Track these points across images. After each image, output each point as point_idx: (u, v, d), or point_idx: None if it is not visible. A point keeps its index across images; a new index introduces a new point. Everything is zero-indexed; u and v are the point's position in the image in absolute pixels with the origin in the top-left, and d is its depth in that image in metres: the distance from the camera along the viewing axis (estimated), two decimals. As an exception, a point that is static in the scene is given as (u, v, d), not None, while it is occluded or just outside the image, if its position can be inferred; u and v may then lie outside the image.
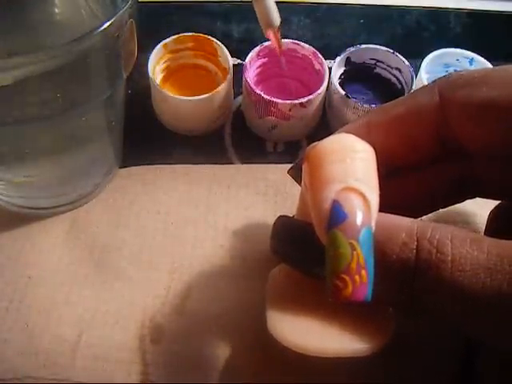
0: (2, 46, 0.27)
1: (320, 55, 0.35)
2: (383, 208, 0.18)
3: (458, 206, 0.25)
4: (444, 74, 0.36)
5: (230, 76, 0.34)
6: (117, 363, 0.26)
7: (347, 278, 0.17)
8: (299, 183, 0.24)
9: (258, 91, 0.33)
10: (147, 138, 0.35)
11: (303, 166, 0.21)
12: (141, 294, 0.28)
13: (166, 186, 0.32)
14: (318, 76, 0.35)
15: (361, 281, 0.17)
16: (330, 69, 0.35)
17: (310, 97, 0.33)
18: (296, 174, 0.25)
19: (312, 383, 0.25)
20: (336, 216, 0.17)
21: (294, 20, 0.43)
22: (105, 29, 0.21)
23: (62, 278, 0.29)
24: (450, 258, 0.17)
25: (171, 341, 0.27)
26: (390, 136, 0.22)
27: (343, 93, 0.34)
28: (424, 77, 0.35)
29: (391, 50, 0.36)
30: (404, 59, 0.35)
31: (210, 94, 0.33)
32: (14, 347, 0.26)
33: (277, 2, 0.32)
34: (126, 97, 0.30)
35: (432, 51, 0.36)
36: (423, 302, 0.18)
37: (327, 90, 0.35)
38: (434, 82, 0.22)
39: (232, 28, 0.42)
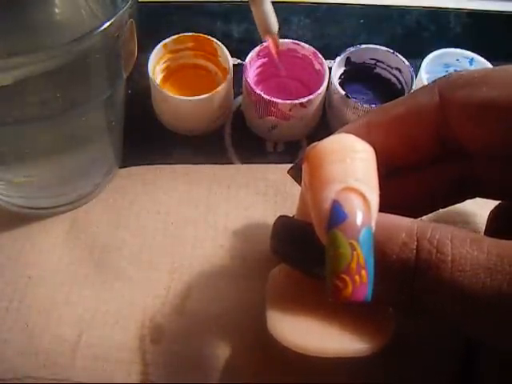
0: (2, 46, 0.27)
1: (320, 55, 0.35)
2: (383, 208, 0.18)
3: (457, 206, 0.25)
4: (444, 74, 0.36)
5: (230, 76, 0.34)
6: (117, 363, 0.26)
7: (347, 278, 0.17)
8: (299, 183, 0.24)
9: (258, 91, 0.33)
10: (147, 138, 0.35)
11: (303, 166, 0.21)
12: (141, 294, 0.28)
13: (166, 186, 0.32)
14: (318, 76, 0.35)
15: (361, 281, 0.17)
16: (330, 69, 0.35)
17: (310, 97, 0.33)
18: (296, 174, 0.25)
19: (312, 383, 0.25)
20: (336, 216, 0.17)
21: (293, 20, 0.43)
22: (105, 29, 0.21)
23: (62, 278, 0.29)
24: (450, 258, 0.17)
25: (171, 341, 0.27)
26: (390, 136, 0.22)
27: (343, 93, 0.34)
28: (424, 77, 0.35)
29: (391, 50, 0.36)
30: (404, 59, 0.35)
31: (210, 94, 0.33)
32: (13, 347, 0.26)
33: (277, 2, 0.32)
34: (126, 97, 0.30)
35: (432, 51, 0.36)
36: (423, 302, 0.18)
37: (327, 90, 0.35)
38: (434, 82, 0.22)
39: (232, 28, 0.42)
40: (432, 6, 0.44)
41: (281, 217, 0.24)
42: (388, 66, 0.37)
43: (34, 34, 0.28)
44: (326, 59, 0.35)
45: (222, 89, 0.34)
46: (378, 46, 0.36)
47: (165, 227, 0.31)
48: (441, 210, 0.25)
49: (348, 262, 0.17)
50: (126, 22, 0.23)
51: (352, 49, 0.36)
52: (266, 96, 0.33)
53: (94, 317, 0.27)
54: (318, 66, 0.35)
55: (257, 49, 0.35)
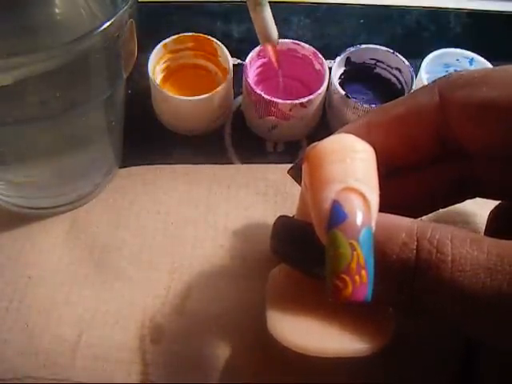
0: (2, 46, 0.27)
1: (320, 55, 0.35)
2: (383, 208, 0.18)
3: (457, 206, 0.25)
4: (444, 74, 0.36)
5: (230, 76, 0.34)
6: (117, 363, 0.26)
7: (347, 278, 0.17)
8: (299, 183, 0.24)
9: (258, 91, 0.33)
10: (147, 138, 0.35)
11: (303, 166, 0.21)
12: (141, 294, 0.28)
13: (166, 186, 0.32)
14: (318, 76, 0.35)
15: (361, 281, 0.17)
16: (330, 69, 0.35)
17: (311, 97, 0.33)
18: (296, 174, 0.25)
19: (312, 383, 0.25)
20: (336, 216, 0.17)
21: (293, 20, 0.43)
22: (105, 29, 0.21)
23: (62, 278, 0.29)
24: (450, 258, 0.17)
25: (171, 341, 0.27)
26: (390, 136, 0.22)
27: (343, 93, 0.34)
28: (424, 77, 0.35)
29: (391, 50, 0.36)
30: (404, 59, 0.35)
31: (210, 94, 0.33)
32: (14, 347, 0.26)
33: (277, 2, 0.32)
34: (126, 97, 0.30)
35: (432, 51, 0.36)
36: (423, 301, 0.18)
37: (327, 90, 0.35)
38: (434, 82, 0.22)
39: (232, 28, 0.42)
40: (432, 6, 0.44)
41: (281, 217, 0.24)
42: (388, 65, 0.37)
43: (34, 34, 0.28)
44: (326, 59, 0.35)
45: (221, 89, 0.34)
46: (377, 46, 0.36)
47: (165, 227, 0.31)
48: (441, 210, 0.25)
49: (348, 262, 0.17)
50: (126, 22, 0.23)
51: (352, 49, 0.36)
52: (266, 96, 0.33)
53: (94, 317, 0.27)
54: (318, 66, 0.35)
55: (257, 49, 0.35)
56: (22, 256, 0.29)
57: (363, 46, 0.36)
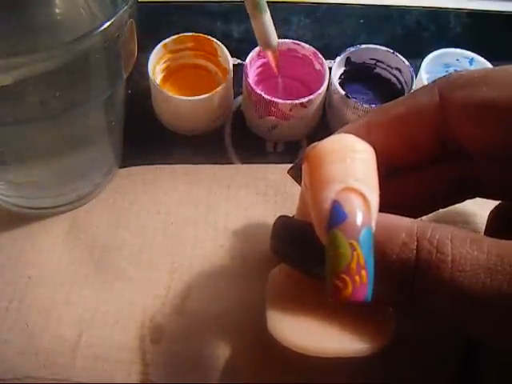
0: (2, 46, 0.27)
1: (320, 55, 0.35)
2: (383, 208, 0.18)
3: (458, 206, 0.25)
4: (444, 74, 0.36)
5: (230, 76, 0.34)
6: (117, 363, 0.26)
7: (347, 278, 0.17)
8: (299, 183, 0.24)
9: (258, 91, 0.33)
10: (147, 138, 0.35)
11: (303, 166, 0.21)
12: (141, 294, 0.28)
13: (166, 186, 0.32)
14: (318, 76, 0.35)
15: (361, 281, 0.17)
16: (330, 69, 0.35)
17: (311, 97, 0.33)
18: (296, 174, 0.25)
19: (312, 383, 0.25)
20: (336, 216, 0.17)
21: (293, 20, 0.43)
22: (105, 29, 0.21)
23: (62, 278, 0.29)
24: (450, 258, 0.17)
25: (171, 341, 0.27)
26: (390, 136, 0.22)
27: (343, 93, 0.34)
28: (424, 77, 0.35)
29: (391, 50, 0.36)
30: (404, 59, 0.35)
31: (210, 94, 0.33)
32: (14, 347, 0.26)
33: (277, 2, 0.32)
34: (126, 97, 0.30)
35: (432, 51, 0.36)
36: (423, 302, 0.18)
37: (327, 90, 0.35)
38: (434, 82, 0.22)
39: (232, 28, 0.42)
40: (432, 6, 0.44)
41: (281, 217, 0.24)
42: (388, 65, 0.37)
43: (34, 34, 0.28)
44: (326, 59, 0.35)
45: (221, 89, 0.34)
46: (378, 46, 0.36)
47: (165, 227, 0.31)
48: (441, 210, 0.25)
49: (348, 262, 0.17)
50: (126, 22, 0.23)
51: (352, 49, 0.36)
52: (266, 96, 0.33)
53: (94, 317, 0.27)
54: (318, 66, 0.35)
55: (257, 49, 0.35)
56: (22, 256, 0.29)
57: (363, 46, 0.36)
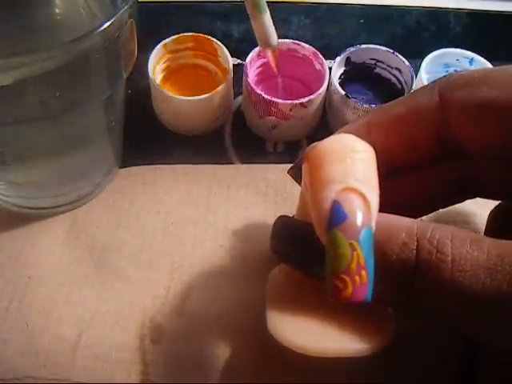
0: (2, 46, 0.27)
1: (320, 55, 0.35)
2: (383, 208, 0.18)
3: (458, 206, 0.25)
4: (444, 74, 0.36)
5: (230, 76, 0.34)
6: (117, 363, 0.26)
7: (347, 279, 0.17)
8: (299, 183, 0.24)
9: (258, 91, 0.33)
10: (147, 138, 0.35)
11: (303, 166, 0.21)
12: (141, 294, 0.28)
13: (166, 186, 0.32)
14: (318, 76, 0.35)
15: (361, 281, 0.17)
16: (330, 69, 0.35)
17: (311, 97, 0.33)
18: (296, 174, 0.25)
19: (312, 383, 0.25)
20: (336, 216, 0.17)
21: (294, 20, 0.43)
22: (105, 29, 0.21)
23: (62, 278, 0.29)
24: (450, 258, 0.17)
25: (171, 341, 0.27)
26: (390, 136, 0.22)
27: (343, 93, 0.34)
28: (424, 77, 0.35)
29: (391, 50, 0.36)
30: (404, 59, 0.35)
31: (210, 94, 0.33)
32: (14, 347, 0.26)
33: (277, 2, 0.32)
34: (126, 97, 0.30)
35: (432, 51, 0.36)
36: (423, 302, 0.18)
37: (327, 90, 0.35)
38: (434, 82, 0.22)
39: (232, 28, 0.42)
40: (432, 6, 0.44)
41: (281, 217, 0.24)
42: (388, 65, 0.37)
43: (34, 34, 0.28)
44: (326, 59, 0.35)
45: (222, 89, 0.34)
46: (378, 46, 0.36)
47: (165, 227, 0.31)
48: (441, 209, 0.25)
49: (348, 262, 0.17)
50: (126, 22, 0.23)
51: (352, 49, 0.36)
52: (266, 96, 0.33)
53: (94, 317, 0.27)
54: (318, 66, 0.35)
55: (257, 49, 0.35)
56: (22, 256, 0.29)
57: (363, 45, 0.36)
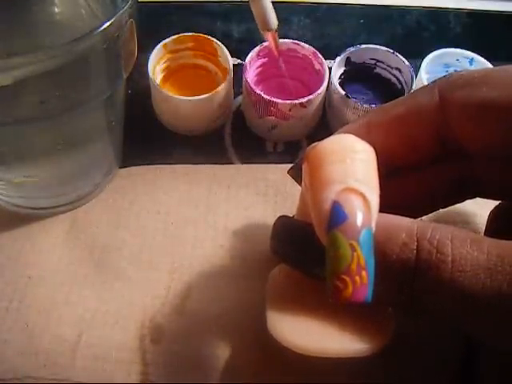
0: (2, 46, 0.27)
1: (320, 55, 0.35)
2: (383, 208, 0.18)
3: (458, 206, 0.25)
4: (444, 74, 0.36)
5: (229, 76, 0.34)
6: (117, 363, 0.26)
7: (347, 279, 0.17)
8: (299, 183, 0.24)
9: (258, 91, 0.33)
10: (147, 138, 0.35)
11: (303, 167, 0.21)
12: (141, 294, 0.28)
13: (166, 186, 0.32)
14: (318, 76, 0.35)
15: (361, 282, 0.17)
16: (330, 69, 0.35)
17: (310, 97, 0.33)
18: (296, 174, 0.25)
19: (312, 383, 0.25)
20: (336, 217, 0.17)
21: (294, 20, 0.43)
22: (105, 29, 0.21)
23: (62, 278, 0.29)
24: (450, 259, 0.17)
25: (171, 341, 0.27)
26: (390, 136, 0.22)
27: (343, 93, 0.34)
28: (424, 77, 0.35)
29: (391, 50, 0.36)
30: (404, 59, 0.35)
31: (210, 94, 0.33)
32: (14, 347, 0.26)
33: (277, 2, 0.32)
34: (126, 97, 0.30)
35: (432, 51, 0.36)
36: (423, 302, 0.18)
37: (327, 90, 0.35)
38: (434, 82, 0.22)
39: (232, 28, 0.42)
40: (432, 6, 0.44)
41: (281, 217, 0.24)
42: (388, 65, 0.37)
43: (34, 34, 0.28)
44: (325, 59, 0.35)
45: (221, 89, 0.34)
46: (378, 46, 0.36)
47: (165, 227, 0.31)
48: (441, 210, 0.25)
49: (348, 262, 0.17)
50: (126, 22, 0.23)
51: (352, 49, 0.36)
52: (265, 96, 0.33)
53: (94, 317, 0.27)
54: (318, 66, 0.35)
55: (257, 49, 0.35)
56: (22, 256, 0.29)
57: (363, 46, 0.36)
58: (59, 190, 0.31)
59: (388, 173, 0.21)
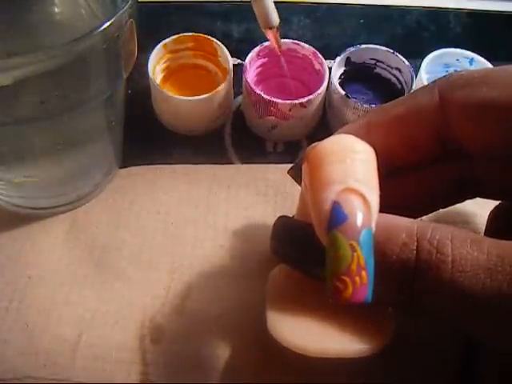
0: (2, 46, 0.27)
1: (320, 55, 0.35)
2: (383, 208, 0.18)
3: (458, 206, 0.25)
4: (444, 74, 0.36)
5: (230, 76, 0.34)
6: (117, 363, 0.26)
7: (347, 280, 0.17)
8: (299, 183, 0.24)
9: (257, 91, 0.33)
10: (147, 138, 0.35)
11: (303, 167, 0.21)
12: (141, 294, 0.28)
13: (166, 186, 0.32)
14: (317, 76, 0.35)
15: (361, 282, 0.17)
16: (330, 69, 0.35)
17: (310, 97, 0.33)
18: (296, 174, 0.25)
19: (312, 383, 0.25)
20: (336, 217, 0.17)
21: (294, 20, 0.43)
22: (105, 29, 0.21)
23: (62, 278, 0.29)
24: (450, 259, 0.17)
25: (171, 341, 0.27)
26: (390, 136, 0.22)
27: (343, 93, 0.34)
28: (424, 77, 0.35)
29: (391, 50, 0.36)
30: (404, 59, 0.35)
31: (210, 94, 0.33)
32: (14, 347, 0.26)
33: (277, 2, 0.32)
34: (126, 97, 0.30)
35: (432, 51, 0.36)
36: (423, 302, 0.18)
37: (327, 90, 0.35)
38: (434, 82, 0.22)
39: (232, 28, 0.42)
40: (432, 6, 0.44)
41: (281, 217, 0.24)
42: (388, 65, 0.37)
43: (34, 33, 0.28)
44: (325, 59, 0.35)
45: (222, 89, 0.34)
46: (378, 46, 0.36)
47: (165, 227, 0.31)
48: (441, 210, 0.25)
49: (348, 263, 0.17)
50: (126, 22, 0.23)
51: (352, 49, 0.36)
52: (265, 96, 0.33)
53: (94, 317, 0.27)
54: (317, 66, 0.35)
55: (257, 49, 0.35)
56: (22, 256, 0.29)
57: (363, 46, 0.36)
58: (59, 189, 0.31)
59: (388, 173, 0.21)
